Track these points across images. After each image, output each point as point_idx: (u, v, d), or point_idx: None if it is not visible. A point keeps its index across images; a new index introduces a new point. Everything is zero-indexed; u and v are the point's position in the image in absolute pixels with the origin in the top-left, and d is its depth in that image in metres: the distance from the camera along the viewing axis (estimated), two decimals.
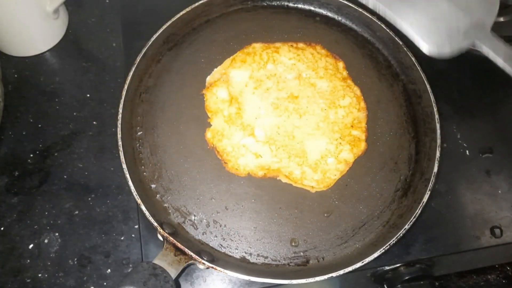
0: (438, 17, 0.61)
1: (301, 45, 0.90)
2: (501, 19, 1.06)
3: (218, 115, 0.82)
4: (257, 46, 0.89)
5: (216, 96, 0.83)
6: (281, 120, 0.82)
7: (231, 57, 0.87)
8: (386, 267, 0.79)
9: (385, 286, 0.81)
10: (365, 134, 0.82)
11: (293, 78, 0.86)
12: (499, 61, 0.60)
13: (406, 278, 0.79)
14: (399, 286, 0.79)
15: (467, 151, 0.90)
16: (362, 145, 0.81)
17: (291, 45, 0.89)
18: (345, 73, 0.88)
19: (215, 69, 0.87)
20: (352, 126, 0.82)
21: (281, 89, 0.85)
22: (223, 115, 0.82)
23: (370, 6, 0.63)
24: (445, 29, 0.61)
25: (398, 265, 0.79)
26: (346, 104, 0.84)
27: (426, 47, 0.60)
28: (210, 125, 0.81)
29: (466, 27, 0.61)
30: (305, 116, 0.82)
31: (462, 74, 0.99)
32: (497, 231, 0.83)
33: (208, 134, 0.80)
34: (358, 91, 0.86)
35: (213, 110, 0.82)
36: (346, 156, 0.80)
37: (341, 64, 0.88)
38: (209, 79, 0.86)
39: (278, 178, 0.78)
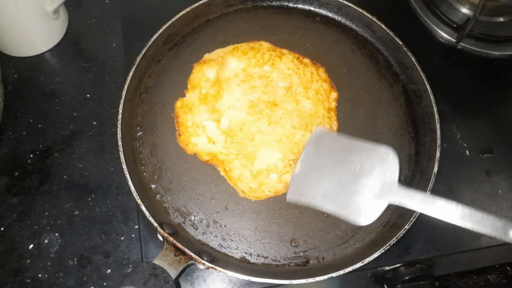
0: (354, 201, 0.71)
1: (306, 60, 0.89)
2: (501, 19, 1.06)
3: (195, 90, 0.82)
4: (265, 45, 0.89)
5: (203, 73, 0.84)
6: (250, 119, 0.81)
7: (236, 45, 0.88)
8: (386, 267, 0.79)
9: (385, 286, 0.81)
10: None
11: (283, 87, 0.85)
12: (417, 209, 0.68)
13: (406, 278, 0.79)
14: (399, 286, 0.79)
15: (467, 151, 0.90)
16: None
17: (297, 57, 0.88)
18: (333, 104, 0.86)
19: (217, 50, 0.87)
20: None
21: (266, 92, 0.84)
22: (200, 92, 0.82)
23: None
24: (364, 208, 0.70)
25: (398, 265, 0.79)
26: None
27: (358, 223, 0.70)
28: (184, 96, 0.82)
29: (377, 194, 0.70)
30: (273, 126, 0.82)
31: (462, 74, 0.99)
32: None
33: (178, 103, 0.81)
34: (335, 126, 0.84)
35: (193, 84, 0.83)
36: (289, 178, 0.78)
37: (334, 94, 0.86)
38: (206, 56, 0.86)
39: (218, 169, 0.78)
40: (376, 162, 0.71)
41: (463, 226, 0.64)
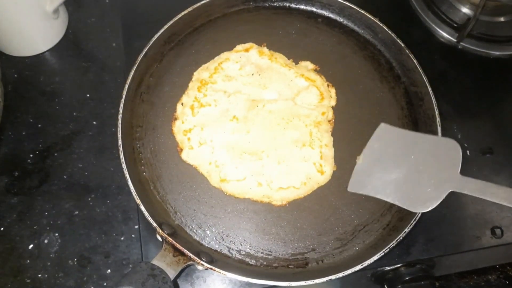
0: (418, 190, 0.74)
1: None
2: (502, 19, 1.06)
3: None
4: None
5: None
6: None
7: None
8: (386, 267, 0.79)
9: (385, 286, 0.81)
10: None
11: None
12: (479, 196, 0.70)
13: (407, 278, 0.78)
14: (399, 286, 0.79)
15: (467, 151, 0.90)
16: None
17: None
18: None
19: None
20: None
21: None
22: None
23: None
24: (425, 197, 0.73)
25: (398, 265, 0.79)
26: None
27: (416, 211, 0.73)
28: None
29: (438, 184, 0.72)
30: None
31: (462, 74, 0.99)
32: (498, 231, 0.82)
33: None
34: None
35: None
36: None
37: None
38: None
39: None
40: (439, 153, 0.75)
41: None
